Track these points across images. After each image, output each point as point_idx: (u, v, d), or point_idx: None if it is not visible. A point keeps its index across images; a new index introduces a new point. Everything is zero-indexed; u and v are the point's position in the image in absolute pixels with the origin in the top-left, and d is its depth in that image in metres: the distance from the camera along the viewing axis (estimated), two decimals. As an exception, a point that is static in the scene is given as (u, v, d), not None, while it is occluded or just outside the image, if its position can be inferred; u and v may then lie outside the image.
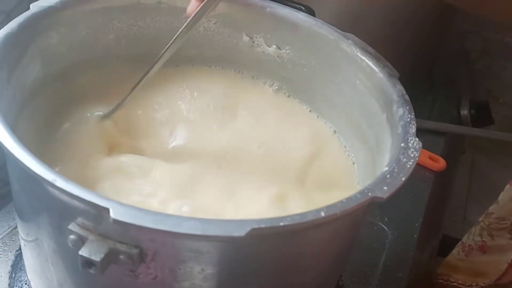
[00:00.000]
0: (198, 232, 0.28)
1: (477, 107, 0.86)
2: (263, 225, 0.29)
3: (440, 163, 0.71)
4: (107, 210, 0.29)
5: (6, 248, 0.53)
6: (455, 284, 0.68)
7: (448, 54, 0.94)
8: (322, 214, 0.31)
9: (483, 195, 0.98)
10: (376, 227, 0.62)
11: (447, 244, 0.78)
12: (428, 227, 0.66)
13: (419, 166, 0.71)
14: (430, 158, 0.72)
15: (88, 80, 0.50)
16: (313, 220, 0.30)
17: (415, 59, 0.83)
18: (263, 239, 0.32)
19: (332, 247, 0.37)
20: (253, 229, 0.29)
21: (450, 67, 0.94)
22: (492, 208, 0.65)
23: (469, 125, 0.84)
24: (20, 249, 0.52)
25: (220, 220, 0.29)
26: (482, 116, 0.86)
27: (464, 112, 0.85)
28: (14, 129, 0.34)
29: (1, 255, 0.53)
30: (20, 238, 0.47)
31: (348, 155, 0.50)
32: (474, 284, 0.66)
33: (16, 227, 0.55)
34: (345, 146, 0.50)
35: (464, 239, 0.69)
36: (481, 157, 1.04)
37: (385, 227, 0.62)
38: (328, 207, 0.31)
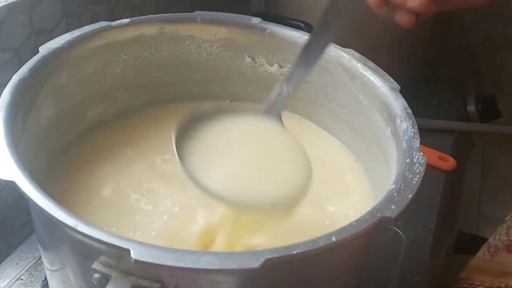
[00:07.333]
0: (214, 266, 0.30)
1: (484, 102, 0.85)
2: (276, 255, 0.30)
3: (450, 162, 0.71)
4: (128, 251, 0.30)
5: (32, 279, 0.54)
6: (481, 286, 0.67)
7: (451, 51, 0.93)
8: (333, 239, 0.32)
9: (496, 188, 0.98)
10: (390, 232, 0.62)
11: (463, 241, 0.78)
12: (443, 227, 0.66)
13: (429, 166, 0.70)
14: (440, 158, 0.71)
15: (99, 112, 0.52)
16: (325, 245, 0.31)
17: (419, 60, 0.83)
18: (277, 267, 0.33)
19: (346, 264, 0.38)
20: (267, 260, 0.30)
21: (454, 64, 0.94)
22: None
23: (477, 120, 0.84)
24: (45, 279, 0.53)
25: (235, 253, 0.31)
26: (489, 110, 0.85)
27: (471, 108, 0.85)
28: (31, 170, 0.36)
29: (28, 286, 0.54)
30: (44, 268, 0.48)
31: (360, 167, 0.51)
32: (503, 286, 0.65)
33: (40, 258, 0.56)
34: (357, 160, 0.52)
35: (490, 239, 0.68)
36: (492, 150, 1.04)
37: (399, 231, 0.62)
38: (338, 231, 0.32)
